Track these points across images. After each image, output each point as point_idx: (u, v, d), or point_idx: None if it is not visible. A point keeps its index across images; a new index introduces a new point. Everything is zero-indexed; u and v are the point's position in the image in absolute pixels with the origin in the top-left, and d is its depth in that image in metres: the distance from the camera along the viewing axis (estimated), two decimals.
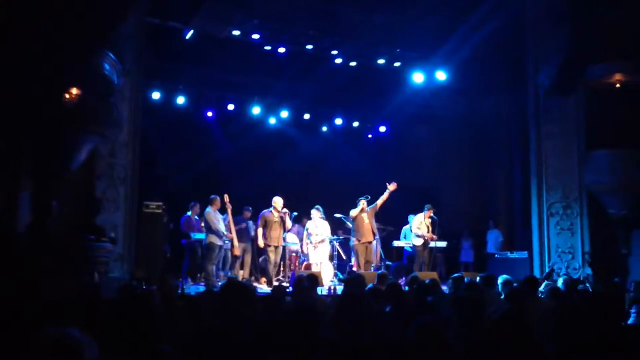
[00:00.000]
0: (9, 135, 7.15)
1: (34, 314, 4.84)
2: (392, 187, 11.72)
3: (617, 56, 11.09)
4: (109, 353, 2.98)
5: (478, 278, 7.88)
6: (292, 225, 12.69)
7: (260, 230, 11.55)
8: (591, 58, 11.17)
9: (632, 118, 11.15)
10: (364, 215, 11.79)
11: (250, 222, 12.89)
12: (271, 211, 11.62)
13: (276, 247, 11.63)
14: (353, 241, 11.90)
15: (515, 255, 13.04)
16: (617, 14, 10.79)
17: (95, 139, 9.01)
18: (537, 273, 11.83)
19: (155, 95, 13.42)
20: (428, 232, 12.33)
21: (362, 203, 11.79)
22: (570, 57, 11.11)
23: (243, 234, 12.47)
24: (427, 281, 7.48)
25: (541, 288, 7.99)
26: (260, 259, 13.01)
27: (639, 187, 11.03)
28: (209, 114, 14.80)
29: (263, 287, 11.23)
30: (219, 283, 10.93)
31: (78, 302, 4.82)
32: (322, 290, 9.61)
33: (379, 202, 11.93)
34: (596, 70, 11.39)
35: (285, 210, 11.61)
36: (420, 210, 12.53)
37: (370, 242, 11.90)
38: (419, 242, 12.40)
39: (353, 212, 11.81)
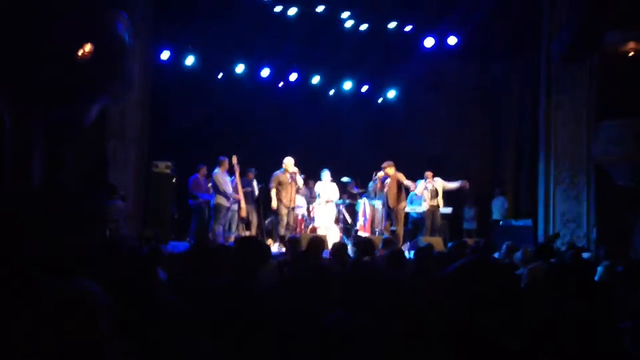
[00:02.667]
0: (22, 93, 7.17)
1: (52, 270, 4.92)
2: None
3: (633, 23, 10.94)
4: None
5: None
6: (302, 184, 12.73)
7: (274, 191, 11.54)
8: (606, 25, 10.99)
9: None
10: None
11: (255, 183, 12.90)
12: (283, 172, 11.59)
13: (289, 209, 11.59)
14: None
15: (519, 222, 13.10)
16: None
17: (107, 98, 9.05)
18: (540, 241, 11.93)
19: (165, 56, 13.34)
20: (432, 198, 12.37)
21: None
22: (586, 23, 10.92)
23: (248, 196, 12.50)
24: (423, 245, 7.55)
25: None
26: (267, 221, 13.10)
27: None
28: (220, 75, 14.73)
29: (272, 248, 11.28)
30: (225, 244, 11.05)
31: (97, 257, 4.89)
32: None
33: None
34: (610, 38, 11.22)
35: (295, 169, 11.58)
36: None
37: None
38: (425, 207, 12.45)
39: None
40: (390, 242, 8.43)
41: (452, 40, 13.30)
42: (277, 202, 11.44)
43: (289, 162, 11.56)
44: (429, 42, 13.51)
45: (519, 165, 14.74)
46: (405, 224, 13.80)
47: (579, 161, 11.84)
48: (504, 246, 8.09)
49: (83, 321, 1.53)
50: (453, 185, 12.32)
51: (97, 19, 7.21)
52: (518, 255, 7.67)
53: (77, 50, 6.78)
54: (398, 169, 11.99)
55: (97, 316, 1.57)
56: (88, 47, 6.81)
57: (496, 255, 7.89)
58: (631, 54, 11.18)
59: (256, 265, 3.93)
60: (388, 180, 11.84)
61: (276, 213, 11.81)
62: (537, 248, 7.50)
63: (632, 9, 10.54)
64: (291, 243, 7.32)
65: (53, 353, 1.49)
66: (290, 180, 11.45)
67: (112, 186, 8.75)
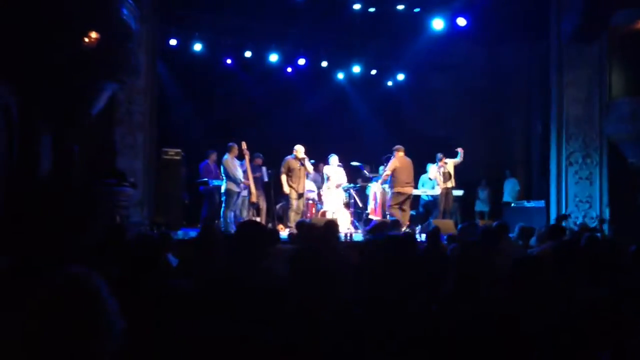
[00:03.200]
0: (28, 80, 7.17)
1: (60, 258, 4.95)
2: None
3: None
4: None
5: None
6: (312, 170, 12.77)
7: (284, 177, 11.57)
8: (616, 3, 10.86)
9: None
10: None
11: (264, 169, 12.92)
12: (294, 158, 11.64)
13: (300, 194, 11.68)
14: None
15: (532, 204, 13.02)
16: None
17: (114, 85, 9.03)
18: (553, 222, 11.85)
19: (172, 42, 13.31)
20: (445, 181, 12.31)
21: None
22: (595, 1, 10.79)
23: (257, 181, 12.50)
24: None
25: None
26: (278, 206, 13.12)
27: None
28: (228, 61, 14.69)
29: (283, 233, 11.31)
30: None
31: (105, 243, 4.92)
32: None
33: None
34: (621, 16, 11.08)
35: (303, 156, 11.63)
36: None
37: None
38: (438, 190, 12.41)
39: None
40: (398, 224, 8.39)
41: (461, 21, 13.12)
42: (289, 188, 11.51)
43: (299, 148, 11.65)
44: (437, 24, 13.35)
45: (530, 146, 14.63)
46: (417, 207, 13.79)
47: (591, 141, 11.73)
48: (517, 227, 8.06)
49: (76, 307, 1.52)
50: (458, 159, 12.27)
51: (102, 5, 7.18)
52: (533, 238, 7.65)
53: (82, 38, 6.76)
54: (407, 152, 11.95)
55: (91, 302, 1.55)
56: (94, 35, 6.79)
57: (510, 236, 7.84)
58: None
59: (259, 253, 3.81)
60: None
61: (287, 198, 11.89)
62: (548, 229, 7.44)
63: None
64: (307, 228, 7.30)
65: (49, 342, 1.48)
66: (300, 166, 11.50)
67: (120, 173, 8.77)
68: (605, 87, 11.57)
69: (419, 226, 12.18)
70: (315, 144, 13.50)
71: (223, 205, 11.30)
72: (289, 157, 11.64)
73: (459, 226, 8.12)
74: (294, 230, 10.83)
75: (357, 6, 13.24)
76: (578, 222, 11.55)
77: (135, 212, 10.10)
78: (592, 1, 10.88)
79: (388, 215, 13.03)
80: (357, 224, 12.57)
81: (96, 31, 6.79)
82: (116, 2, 7.69)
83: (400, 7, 13.26)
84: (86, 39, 6.76)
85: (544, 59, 12.66)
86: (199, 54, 13.86)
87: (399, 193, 11.62)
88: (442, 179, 12.29)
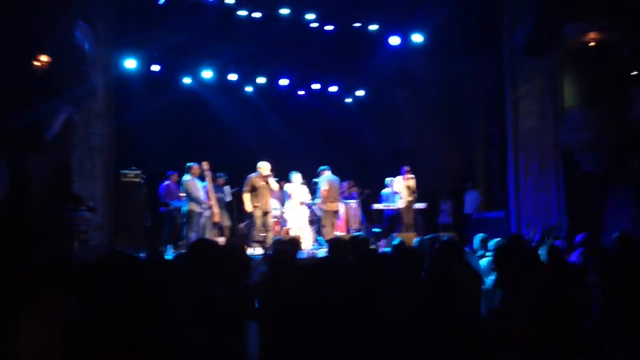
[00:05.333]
0: None
1: (13, 283, 4.84)
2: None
3: (592, 15, 11.10)
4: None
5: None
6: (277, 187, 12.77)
7: (247, 195, 11.46)
8: (566, 17, 11.17)
9: (606, 76, 11.23)
10: None
11: (225, 189, 12.85)
12: (257, 175, 11.49)
13: (265, 213, 11.50)
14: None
15: (492, 215, 13.22)
16: None
17: (69, 108, 8.96)
18: (513, 232, 12.02)
19: (131, 64, 13.20)
20: (410, 194, 12.41)
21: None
22: (545, 16, 11.10)
23: (219, 201, 12.39)
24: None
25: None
26: (242, 225, 13.06)
27: (612, 145, 11.12)
28: (186, 80, 14.62)
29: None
30: None
31: (54, 269, 4.82)
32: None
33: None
34: (571, 30, 11.40)
35: (268, 173, 11.53)
36: (398, 173, 12.61)
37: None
38: (402, 204, 12.48)
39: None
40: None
41: (417, 37, 13.34)
42: (252, 206, 11.40)
43: (264, 165, 11.49)
44: (394, 40, 13.54)
45: (489, 157, 14.85)
46: (381, 222, 13.87)
47: (547, 150, 11.97)
48: (477, 238, 8.15)
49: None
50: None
51: (54, 28, 7.12)
52: (491, 246, 7.74)
53: (32, 61, 6.69)
54: (369, 166, 12.09)
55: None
56: (45, 58, 6.72)
57: (467, 249, 7.91)
58: (592, 44, 11.33)
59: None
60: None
61: (251, 216, 11.81)
62: (508, 239, 7.55)
63: (588, 2, 10.71)
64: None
65: None
66: (263, 184, 11.42)
67: (77, 197, 8.65)
68: (558, 97, 11.84)
69: (383, 240, 12.26)
70: (277, 161, 13.51)
71: (185, 226, 11.21)
72: (252, 174, 11.51)
73: (418, 239, 8.16)
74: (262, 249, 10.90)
75: (314, 25, 13.34)
76: (537, 230, 11.74)
77: (95, 236, 9.97)
78: (542, 15, 11.19)
79: (352, 231, 13.12)
80: (322, 240, 12.59)
81: (47, 54, 6.72)
82: (68, 25, 7.63)
83: (357, 25, 13.41)
84: (36, 62, 6.69)
85: (500, 71, 12.92)
86: (158, 75, 13.77)
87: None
88: (407, 192, 12.40)
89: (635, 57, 11.09)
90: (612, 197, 11.48)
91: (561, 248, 7.28)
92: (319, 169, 12.33)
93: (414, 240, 8.04)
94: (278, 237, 10.04)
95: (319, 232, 12.71)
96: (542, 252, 6.17)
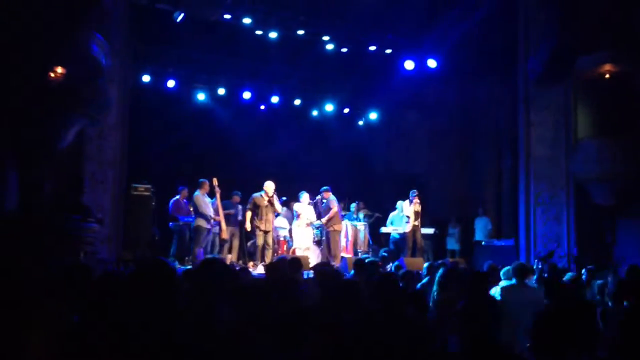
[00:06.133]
0: None
1: (19, 293, 4.84)
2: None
3: (607, 46, 11.08)
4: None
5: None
6: (282, 209, 12.82)
7: (249, 214, 11.49)
8: (581, 48, 11.15)
9: (621, 108, 11.18)
10: None
11: (240, 207, 12.89)
12: (262, 195, 11.55)
13: (266, 232, 11.56)
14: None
15: (501, 242, 13.11)
16: (605, 3, 10.76)
17: (83, 120, 9.01)
18: (522, 260, 11.92)
19: (146, 78, 13.36)
20: (416, 219, 12.37)
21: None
22: (561, 46, 11.09)
23: (231, 218, 12.45)
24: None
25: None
26: (249, 243, 13.05)
27: (625, 177, 11.03)
28: (200, 96, 14.72)
29: (254, 270, 11.22)
30: None
31: (65, 281, 4.83)
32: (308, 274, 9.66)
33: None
34: (586, 60, 11.37)
35: (272, 194, 11.57)
36: (408, 197, 12.58)
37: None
38: (408, 228, 12.44)
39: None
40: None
41: (431, 63, 13.39)
42: (252, 225, 11.42)
43: (269, 185, 11.53)
44: (409, 64, 13.59)
45: (500, 184, 14.78)
46: (387, 245, 13.80)
47: (558, 180, 11.88)
48: (485, 265, 8.11)
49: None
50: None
51: (71, 41, 7.21)
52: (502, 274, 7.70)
53: (48, 73, 6.77)
54: (378, 189, 12.07)
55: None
56: (60, 70, 6.80)
57: None
58: (607, 76, 11.29)
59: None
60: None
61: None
62: (515, 268, 7.49)
63: (603, 34, 10.69)
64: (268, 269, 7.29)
65: None
66: (267, 204, 11.44)
67: (86, 208, 8.69)
68: (572, 127, 11.79)
69: (391, 264, 12.19)
70: (287, 181, 13.55)
71: (193, 241, 11.24)
72: (256, 194, 11.56)
73: (427, 264, 8.13)
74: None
75: (329, 46, 13.42)
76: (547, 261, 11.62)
77: (103, 248, 9.99)
78: (558, 45, 11.18)
79: (360, 253, 13.09)
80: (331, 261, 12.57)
81: (63, 66, 6.80)
82: (85, 38, 7.73)
83: (372, 47, 13.48)
84: (52, 74, 6.76)
85: (513, 98, 12.90)
86: (172, 90, 13.90)
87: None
88: (413, 216, 12.37)
89: None
90: (622, 229, 11.36)
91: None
92: (321, 190, 12.32)
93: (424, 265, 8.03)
94: (282, 256, 10.06)
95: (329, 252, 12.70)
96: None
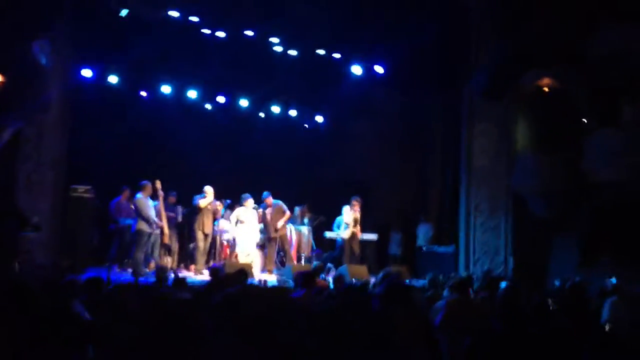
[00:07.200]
0: None
1: None
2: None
3: (549, 63, 11.39)
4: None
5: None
6: (224, 212, 12.76)
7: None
8: (526, 64, 11.42)
9: (560, 124, 11.51)
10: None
11: (179, 208, 12.70)
12: (203, 198, 11.78)
13: (206, 235, 11.80)
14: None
15: (442, 249, 13.37)
16: (546, 23, 11.00)
17: (20, 120, 8.68)
18: (462, 268, 12.19)
19: (88, 75, 12.82)
20: (356, 225, 12.47)
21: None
22: (505, 62, 11.35)
23: (170, 221, 12.20)
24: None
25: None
26: (191, 246, 12.88)
27: (562, 191, 11.37)
28: (143, 93, 14.31)
29: (191, 276, 11.10)
30: (146, 271, 10.79)
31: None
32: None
33: None
34: (527, 76, 11.67)
35: (211, 198, 11.90)
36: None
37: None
38: (347, 234, 12.50)
39: None
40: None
41: (378, 69, 13.48)
42: (196, 228, 11.66)
43: (208, 190, 11.89)
44: (356, 69, 13.64)
45: (443, 192, 15.02)
46: (333, 249, 13.86)
47: (498, 192, 12.12)
48: (427, 277, 8.22)
49: None
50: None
51: (12, 48, 6.90)
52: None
53: None
54: (324, 193, 12.13)
55: None
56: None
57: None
58: (546, 89, 11.61)
59: None
60: (268, 210, 12.37)
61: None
62: (485, 280, 7.64)
63: (544, 51, 10.98)
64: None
65: None
66: (207, 207, 11.82)
67: (22, 217, 8.35)
68: (512, 141, 12.07)
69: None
70: (232, 182, 13.41)
71: (133, 245, 11.00)
72: (199, 196, 11.70)
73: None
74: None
75: (278, 48, 13.32)
76: (484, 269, 11.89)
77: (40, 254, 9.65)
78: (502, 61, 11.42)
79: (303, 257, 13.12)
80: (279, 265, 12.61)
81: (2, 73, 6.51)
82: (26, 42, 7.42)
83: (321, 51, 13.44)
84: None
85: (457, 109, 13.11)
86: (115, 87, 13.41)
87: None
88: (352, 223, 12.47)
89: (589, 108, 11.40)
90: (557, 243, 11.73)
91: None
92: (263, 195, 12.40)
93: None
94: (215, 264, 10.14)
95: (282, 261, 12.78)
96: None
